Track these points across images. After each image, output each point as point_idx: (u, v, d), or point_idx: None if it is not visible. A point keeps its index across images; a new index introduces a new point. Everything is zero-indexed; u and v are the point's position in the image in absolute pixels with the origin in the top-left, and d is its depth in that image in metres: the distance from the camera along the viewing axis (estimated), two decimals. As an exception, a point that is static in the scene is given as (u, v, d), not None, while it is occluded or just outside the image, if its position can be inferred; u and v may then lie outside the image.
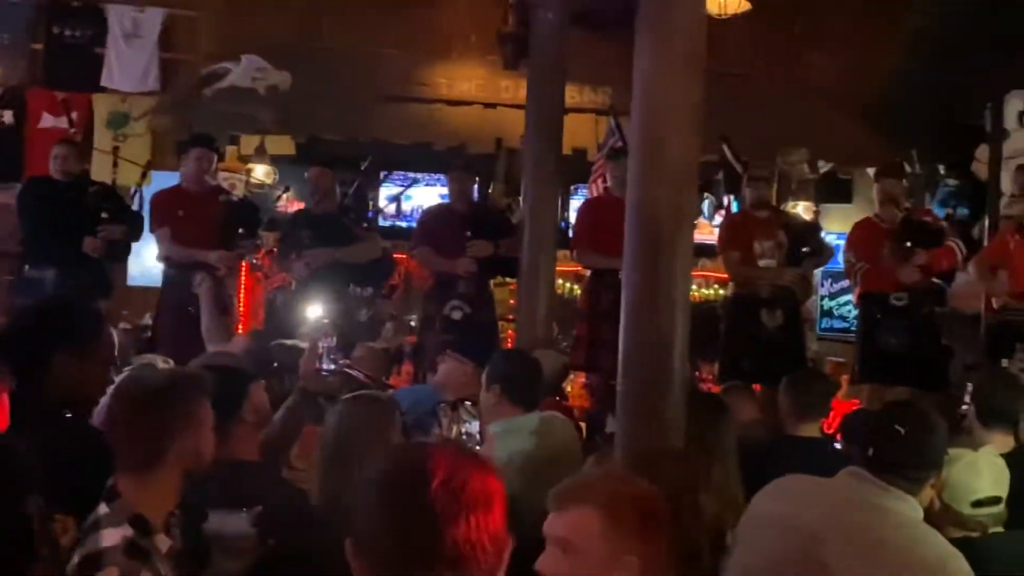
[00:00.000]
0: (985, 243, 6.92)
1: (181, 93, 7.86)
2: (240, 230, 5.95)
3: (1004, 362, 5.18)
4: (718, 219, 8.05)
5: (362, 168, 7.16)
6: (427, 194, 8.63)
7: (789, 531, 2.31)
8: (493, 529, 1.29)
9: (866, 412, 4.68)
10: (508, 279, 6.76)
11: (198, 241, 5.94)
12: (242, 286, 7.60)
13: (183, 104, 7.76)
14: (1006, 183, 7.29)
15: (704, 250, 7.86)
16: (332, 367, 3.26)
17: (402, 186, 8.56)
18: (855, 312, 7.27)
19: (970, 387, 3.66)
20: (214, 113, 7.61)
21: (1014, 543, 2.72)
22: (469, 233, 5.95)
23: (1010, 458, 3.01)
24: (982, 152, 7.66)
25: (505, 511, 1.34)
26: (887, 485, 2.31)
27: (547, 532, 1.95)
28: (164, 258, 6.09)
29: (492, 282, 6.50)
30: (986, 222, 7.44)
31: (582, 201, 7.25)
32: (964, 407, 3.61)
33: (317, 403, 3.79)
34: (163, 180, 6.81)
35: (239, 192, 7.46)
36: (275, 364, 4.26)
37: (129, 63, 7.91)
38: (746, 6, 6.92)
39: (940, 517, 2.78)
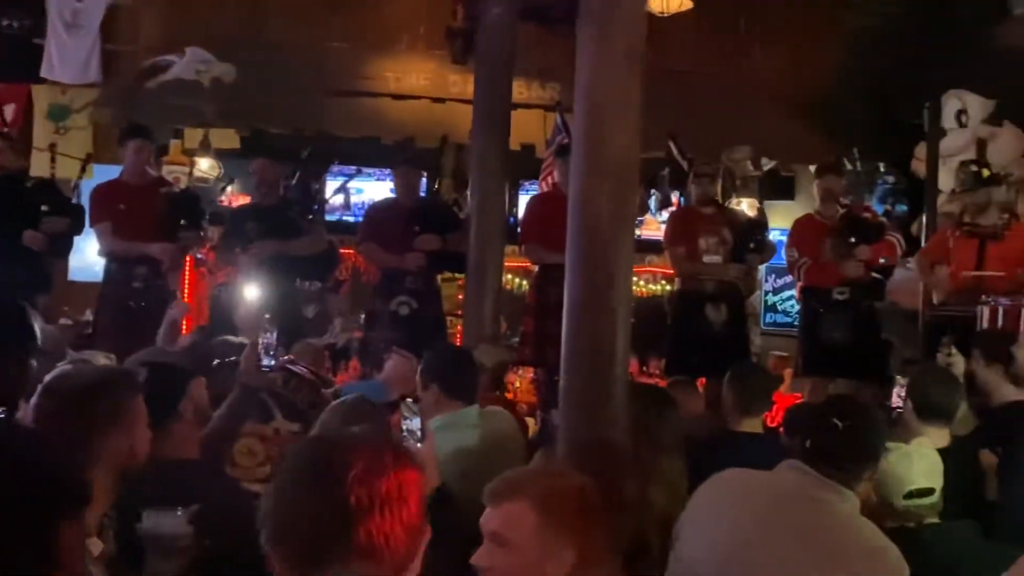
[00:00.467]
0: (923, 240, 7.06)
1: (123, 85, 7.72)
2: (183, 221, 5.87)
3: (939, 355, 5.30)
4: (665, 215, 8.10)
5: (303, 157, 7.03)
6: (378, 188, 8.57)
7: (732, 525, 2.34)
8: (407, 521, 1.30)
9: (808, 405, 4.75)
10: (457, 274, 6.75)
11: (140, 234, 5.85)
12: (186, 281, 7.51)
13: (125, 96, 7.61)
14: (944, 181, 7.44)
15: (651, 246, 7.93)
16: (272, 363, 3.23)
17: (346, 176, 8.46)
18: (798, 307, 7.38)
19: (899, 380, 3.73)
20: (157, 105, 7.48)
21: (949, 533, 2.78)
22: (416, 228, 5.94)
23: (946, 452, 3.07)
24: (921, 150, 7.81)
25: (422, 502, 1.35)
26: (825, 478, 2.35)
27: (482, 526, 1.97)
28: (106, 253, 5.98)
29: (440, 277, 6.49)
30: (924, 219, 7.58)
31: (530, 196, 7.26)
32: (896, 400, 3.69)
33: (260, 399, 3.76)
34: (106, 173, 6.68)
35: (183, 186, 7.35)
36: (216, 360, 4.22)
37: (70, 54, 7.74)
38: (688, 5, 6.97)
39: (877, 509, 2.84)
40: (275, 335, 3.20)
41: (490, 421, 3.49)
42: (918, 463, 2.81)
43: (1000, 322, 5.19)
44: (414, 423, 2.88)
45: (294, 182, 6.62)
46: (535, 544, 1.89)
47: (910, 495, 2.79)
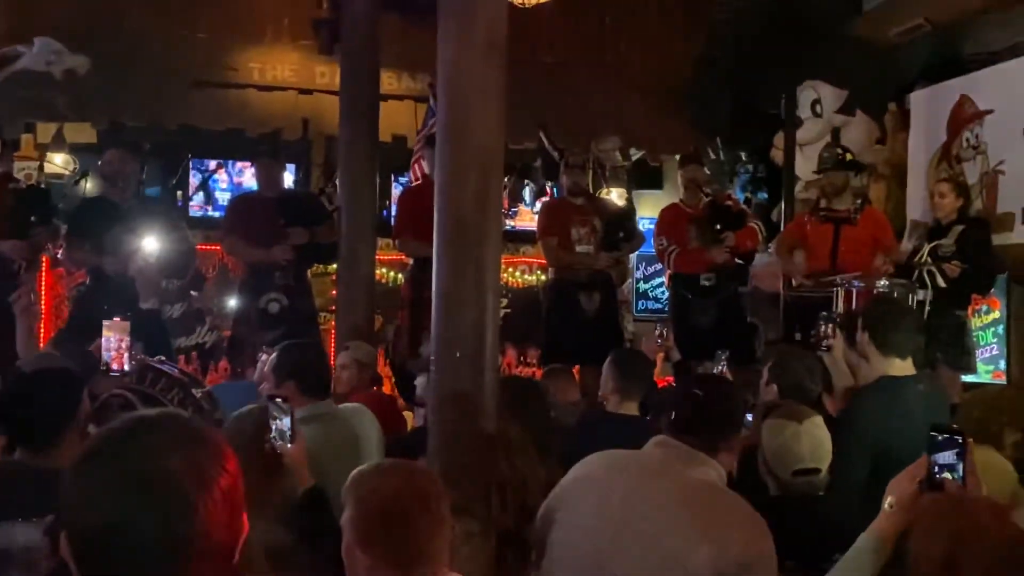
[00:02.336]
0: (783, 226, 7.33)
1: (-34, 78, 7.28)
2: (33, 218, 5.58)
3: (797, 335, 5.52)
4: (539, 206, 8.18)
5: (144, 149, 6.69)
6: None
7: (601, 506, 2.37)
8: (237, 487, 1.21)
9: (671, 385, 4.87)
10: (329, 268, 6.65)
11: None
12: (43, 283, 7.16)
13: (-31, 90, 7.19)
14: (801, 168, 7.74)
15: (525, 237, 8.00)
16: (126, 367, 3.09)
17: (206, 172, 8.18)
18: (668, 294, 7.57)
19: (720, 356, 3.85)
20: (6, 99, 7.08)
21: (830, 507, 2.90)
22: (282, 220, 5.80)
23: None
24: (779, 139, 8.10)
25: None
26: (690, 448, 2.41)
27: None
28: (-50, 255, 5.63)
29: (311, 272, 6.37)
30: (783, 206, 7.86)
31: (402, 189, 7.22)
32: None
33: (127, 402, 3.61)
34: (-50, 170, 6.30)
35: (32, 182, 6.99)
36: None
37: (-95, 44, 7.25)
38: (549, -3, 7.06)
39: (764, 479, 2.95)
40: (131, 337, 3.07)
41: (348, 416, 3.47)
42: (807, 444, 2.91)
43: (854, 304, 5.44)
44: (284, 423, 2.81)
45: (144, 176, 6.35)
46: (347, 540, 1.94)
47: (797, 473, 2.89)
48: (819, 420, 3.03)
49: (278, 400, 2.87)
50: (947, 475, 1.78)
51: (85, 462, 1.18)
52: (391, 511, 1.90)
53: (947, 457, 1.79)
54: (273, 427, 2.81)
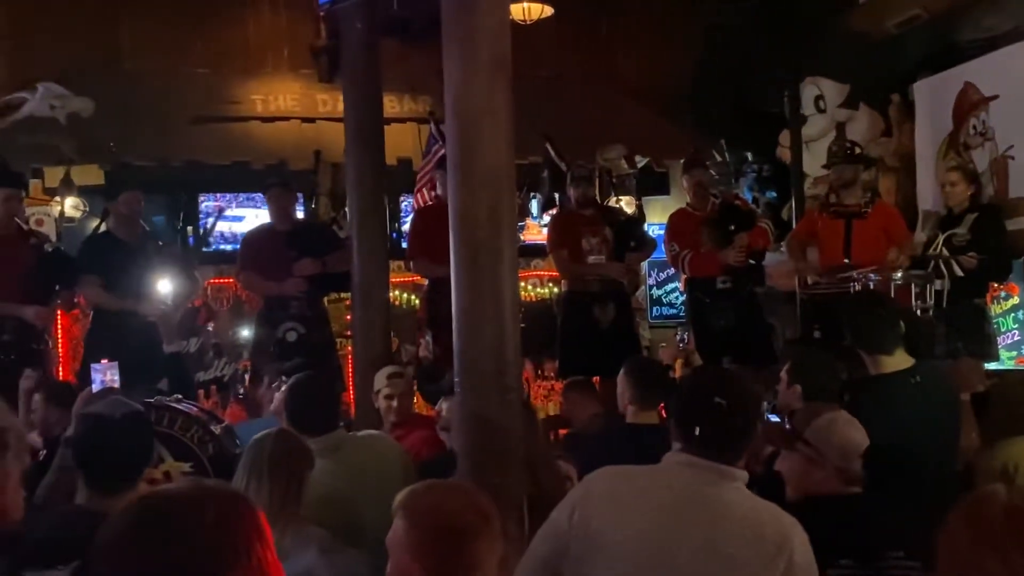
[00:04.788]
0: (794, 223, 7.30)
1: (-27, 127, 7.34)
2: (57, 287, 5.60)
3: (816, 334, 5.49)
4: (547, 219, 8.18)
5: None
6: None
7: (638, 536, 2.27)
8: (272, 559, 1.23)
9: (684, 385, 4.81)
10: (343, 294, 6.64)
11: (5, 289, 5.50)
12: (59, 327, 7.17)
13: (-23, 138, 7.25)
14: (808, 165, 7.72)
15: (535, 250, 8.01)
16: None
17: (212, 212, 8.18)
18: (682, 299, 7.54)
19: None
20: (12, 146, 7.13)
21: (869, 504, 2.86)
22: (295, 252, 5.81)
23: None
24: (785, 137, 8.08)
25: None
26: (718, 466, 2.28)
27: None
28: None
29: (326, 299, 6.37)
30: (792, 204, 7.84)
31: (415, 211, 7.22)
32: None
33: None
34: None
35: (48, 228, 7.01)
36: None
37: (-89, 96, 7.32)
38: (548, 12, 7.08)
39: (826, 475, 2.90)
40: (117, 374, 3.04)
41: (363, 445, 3.46)
42: (858, 424, 2.87)
43: (871, 297, 5.39)
44: None
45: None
46: (396, 555, 1.93)
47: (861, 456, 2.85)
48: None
49: None
50: None
51: (117, 545, 1.20)
52: (456, 527, 1.89)
53: None
54: None
